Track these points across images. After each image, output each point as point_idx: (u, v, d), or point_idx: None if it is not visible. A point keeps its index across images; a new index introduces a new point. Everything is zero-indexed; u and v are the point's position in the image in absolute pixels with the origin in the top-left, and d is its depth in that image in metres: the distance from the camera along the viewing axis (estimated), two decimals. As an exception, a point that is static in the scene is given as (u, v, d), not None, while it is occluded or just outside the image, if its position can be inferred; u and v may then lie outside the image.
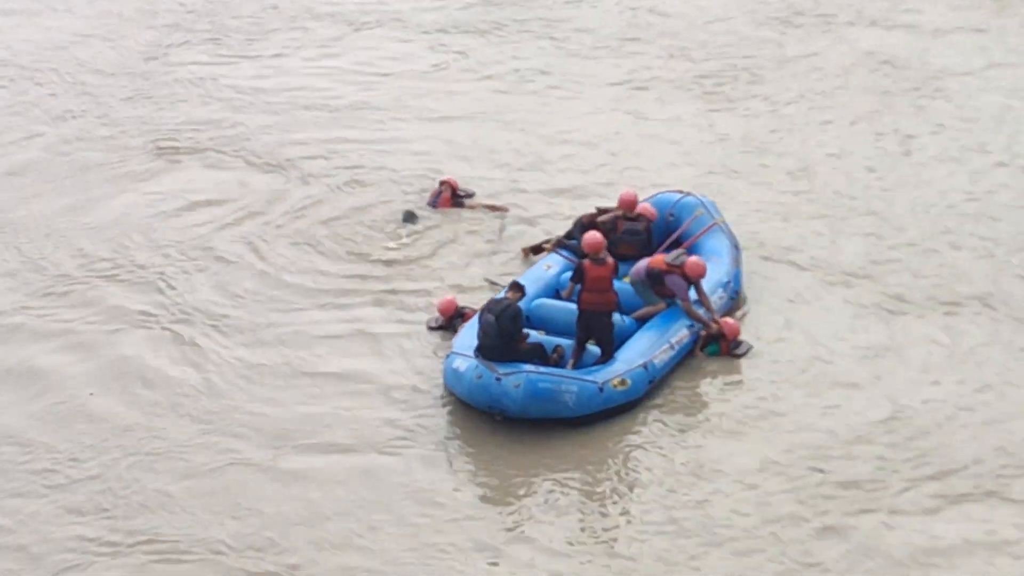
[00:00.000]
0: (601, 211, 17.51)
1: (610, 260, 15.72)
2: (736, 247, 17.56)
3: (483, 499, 14.27)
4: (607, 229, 17.01)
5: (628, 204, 17.29)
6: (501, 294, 16.02)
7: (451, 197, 19.11)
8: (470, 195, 19.33)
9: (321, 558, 13.40)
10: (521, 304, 15.79)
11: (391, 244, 18.44)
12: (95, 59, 24.23)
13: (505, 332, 15.05)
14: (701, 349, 16.35)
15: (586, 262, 15.74)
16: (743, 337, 16.40)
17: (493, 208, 19.05)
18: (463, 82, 23.00)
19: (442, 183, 19.24)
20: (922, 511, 13.84)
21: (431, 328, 16.63)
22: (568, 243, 17.31)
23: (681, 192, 18.27)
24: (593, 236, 15.93)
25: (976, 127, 21.02)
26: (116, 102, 22.69)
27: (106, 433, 15.06)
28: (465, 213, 19.03)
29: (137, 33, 25.14)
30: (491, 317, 15.13)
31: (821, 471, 14.36)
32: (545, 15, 25.25)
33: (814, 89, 22.40)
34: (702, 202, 17.98)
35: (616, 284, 16.14)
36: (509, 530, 13.82)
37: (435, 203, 19.10)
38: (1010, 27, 23.99)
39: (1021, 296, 17.15)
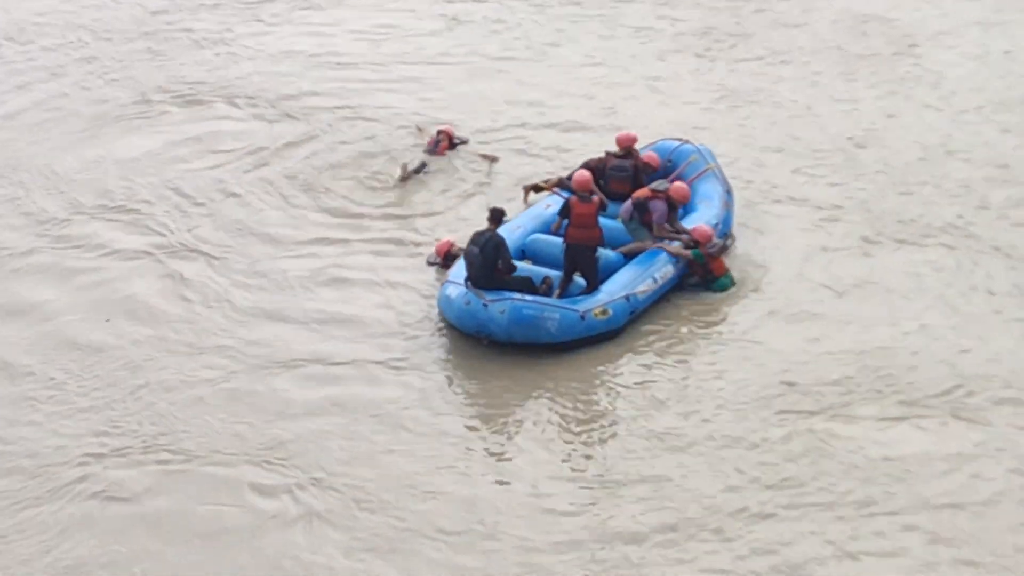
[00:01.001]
0: (609, 156, 18.35)
1: (596, 198, 16.65)
2: (728, 192, 18.39)
3: (473, 417, 15.25)
4: (599, 168, 17.98)
5: (620, 142, 18.15)
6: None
7: (448, 144, 20.16)
8: (464, 142, 20.38)
9: (326, 466, 14.45)
10: (517, 239, 16.83)
11: (397, 172, 19.46)
12: (102, 14, 25.40)
13: (489, 261, 16.00)
14: (703, 281, 17.12)
15: (573, 199, 16.65)
16: (717, 240, 17.28)
17: (485, 157, 20.08)
18: (464, 37, 23.93)
19: (439, 131, 20.24)
20: (884, 424, 14.74)
21: (430, 264, 17.67)
22: (568, 183, 18.19)
23: (679, 140, 19.15)
24: (581, 174, 16.91)
25: (950, 80, 21.83)
26: (124, 54, 23.73)
27: (114, 358, 16.13)
28: (460, 160, 20.05)
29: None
30: (475, 248, 16.11)
31: (791, 384, 15.33)
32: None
33: (800, 46, 23.26)
34: (698, 149, 18.83)
35: (607, 222, 17.18)
36: (498, 446, 14.82)
37: (433, 150, 20.13)
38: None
39: (986, 231, 18.06)
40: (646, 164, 18.21)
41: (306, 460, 14.53)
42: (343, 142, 20.80)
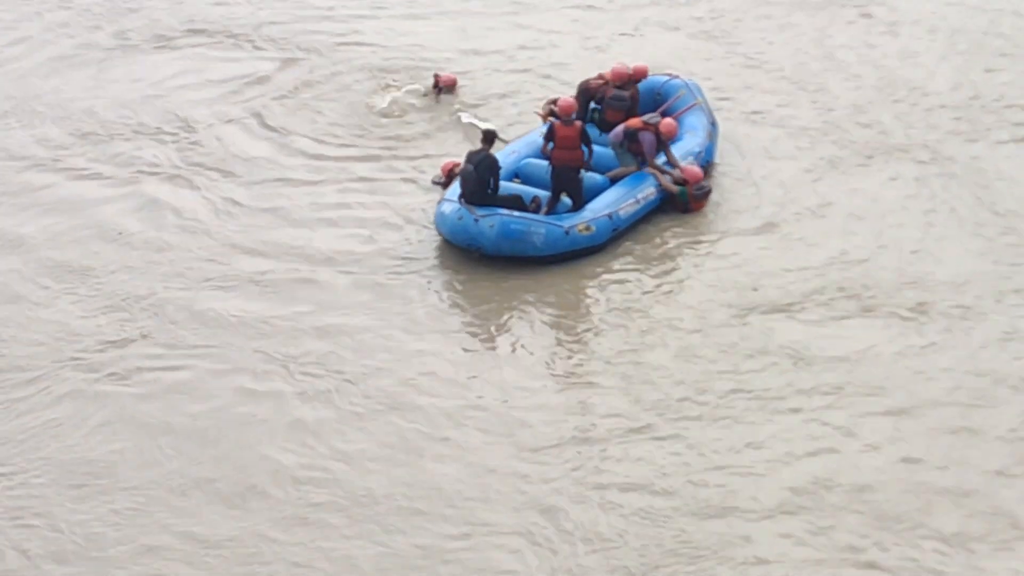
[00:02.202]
0: (601, 77, 19.29)
1: (577, 123, 17.75)
2: (713, 124, 19.49)
3: (463, 324, 16.60)
4: (598, 97, 19.07)
5: (616, 75, 19.24)
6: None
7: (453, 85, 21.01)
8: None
9: (316, 369, 15.81)
10: (511, 162, 18.04)
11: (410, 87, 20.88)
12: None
13: (483, 179, 17.26)
14: (669, 185, 18.31)
15: (556, 123, 17.82)
16: (706, 183, 18.43)
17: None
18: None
19: (437, 76, 21.04)
20: (834, 321, 16.13)
21: (435, 183, 18.80)
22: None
23: (669, 75, 20.27)
24: (565, 100, 18.10)
25: (915, 25, 23.00)
26: None
27: (131, 255, 17.68)
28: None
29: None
30: (470, 167, 17.38)
31: (755, 290, 16.67)
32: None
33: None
34: (687, 83, 19.94)
35: (599, 149, 18.41)
36: (485, 350, 16.14)
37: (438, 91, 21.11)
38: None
39: (949, 148, 19.44)
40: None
41: (299, 359, 15.83)
42: (342, 76, 22.01)
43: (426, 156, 19.64)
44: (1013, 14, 23.09)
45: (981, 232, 17.70)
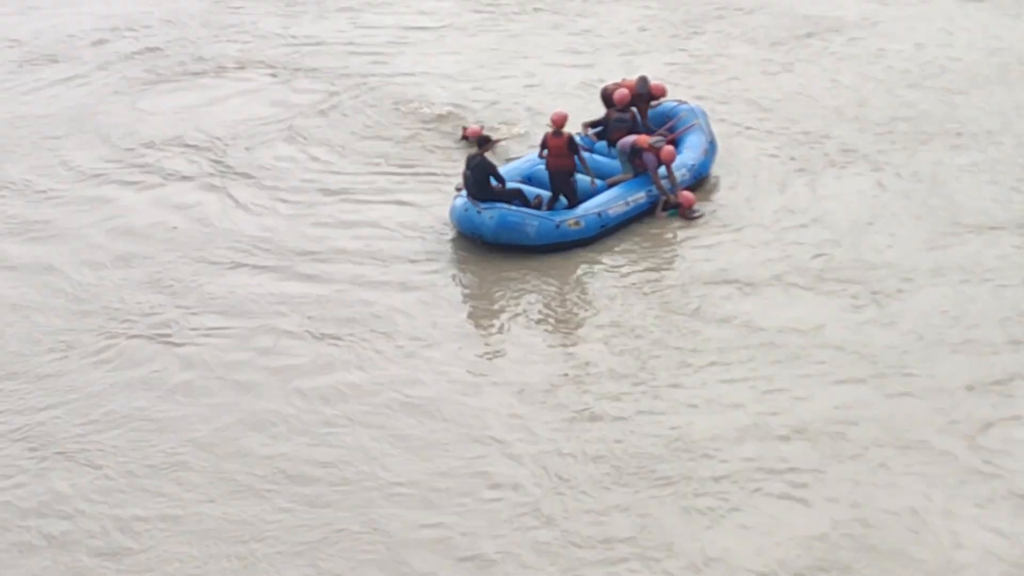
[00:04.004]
0: (621, 83, 21.79)
1: (566, 133, 19.89)
2: (711, 143, 21.68)
3: (464, 301, 18.82)
4: (603, 122, 21.45)
5: (618, 100, 21.52)
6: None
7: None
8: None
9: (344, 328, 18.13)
10: (525, 168, 20.40)
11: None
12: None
13: (479, 179, 19.58)
14: (663, 210, 20.67)
15: (548, 134, 20.08)
16: (698, 208, 20.74)
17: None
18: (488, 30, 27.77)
19: (464, 129, 22.93)
20: (795, 300, 18.43)
21: (457, 190, 20.83)
22: (597, 123, 21.63)
23: (678, 101, 22.45)
24: (557, 113, 20.27)
25: (871, 59, 25.58)
26: (188, 27, 27.85)
27: (170, 248, 20.07)
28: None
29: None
30: (468, 171, 19.72)
31: (723, 274, 18.93)
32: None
33: (747, 31, 26.97)
34: (692, 108, 22.17)
35: (605, 161, 20.83)
36: (484, 326, 18.36)
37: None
38: None
39: (897, 157, 21.92)
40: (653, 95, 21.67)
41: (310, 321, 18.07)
42: (370, 101, 24.53)
43: (446, 173, 21.78)
44: (962, 48, 25.79)
45: (923, 223, 19.90)
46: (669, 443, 15.75)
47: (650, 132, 21.54)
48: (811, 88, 24.44)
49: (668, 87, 22.72)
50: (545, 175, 20.53)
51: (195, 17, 28.51)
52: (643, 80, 21.85)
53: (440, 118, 23.65)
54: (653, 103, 22.03)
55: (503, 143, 22.28)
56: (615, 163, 21.20)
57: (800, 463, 15.38)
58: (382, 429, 16.14)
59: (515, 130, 23.02)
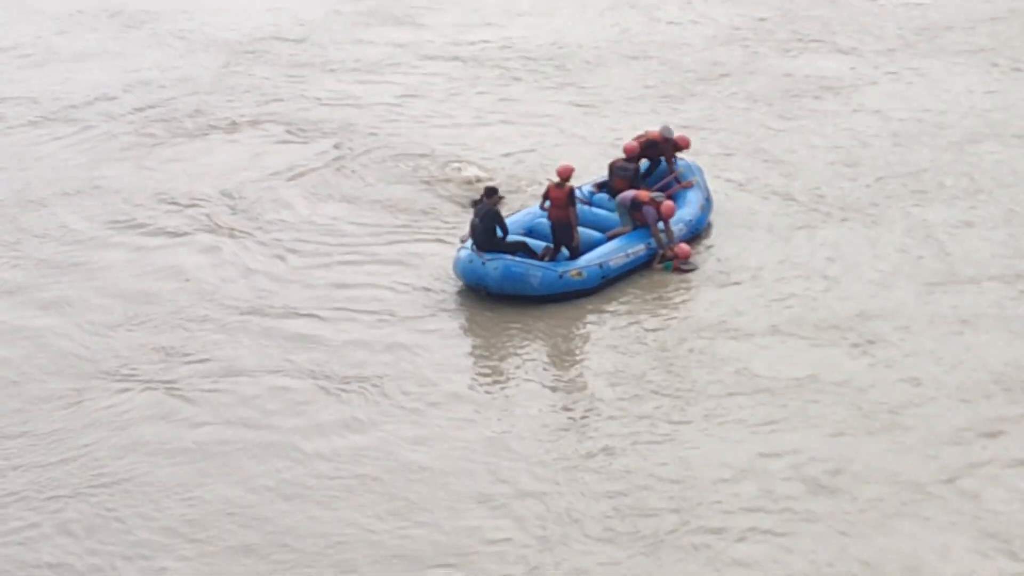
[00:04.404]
0: (645, 134, 22.42)
1: (568, 186, 20.45)
2: (707, 199, 22.32)
3: (471, 351, 19.36)
4: (609, 167, 22.09)
5: (625, 150, 22.22)
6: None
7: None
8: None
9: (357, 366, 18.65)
10: (527, 220, 20.93)
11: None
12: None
13: (488, 228, 20.11)
14: (659, 263, 21.24)
15: (551, 185, 20.67)
16: (693, 261, 21.31)
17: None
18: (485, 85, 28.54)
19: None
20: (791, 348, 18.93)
21: (461, 242, 21.20)
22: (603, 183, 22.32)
23: (683, 159, 22.96)
24: (563, 165, 20.88)
25: (866, 117, 26.29)
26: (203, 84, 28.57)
27: (177, 304, 20.53)
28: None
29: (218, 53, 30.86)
30: (476, 219, 20.26)
31: (720, 323, 19.48)
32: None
33: (745, 91, 27.64)
34: (689, 165, 22.79)
35: (605, 214, 21.40)
36: (491, 375, 18.86)
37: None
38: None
39: (893, 212, 22.60)
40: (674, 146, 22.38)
41: (322, 372, 18.55)
42: (378, 157, 25.15)
43: (450, 228, 22.29)
44: (955, 107, 26.46)
45: (916, 275, 20.48)
46: (668, 486, 16.21)
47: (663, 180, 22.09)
48: (807, 145, 25.06)
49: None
50: (546, 227, 21.04)
51: (205, 77, 29.16)
52: (667, 128, 22.61)
53: (445, 174, 24.22)
54: (678, 154, 22.66)
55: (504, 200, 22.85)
56: (614, 216, 21.74)
57: (795, 504, 15.82)
58: (384, 481, 16.55)
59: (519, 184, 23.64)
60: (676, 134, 22.83)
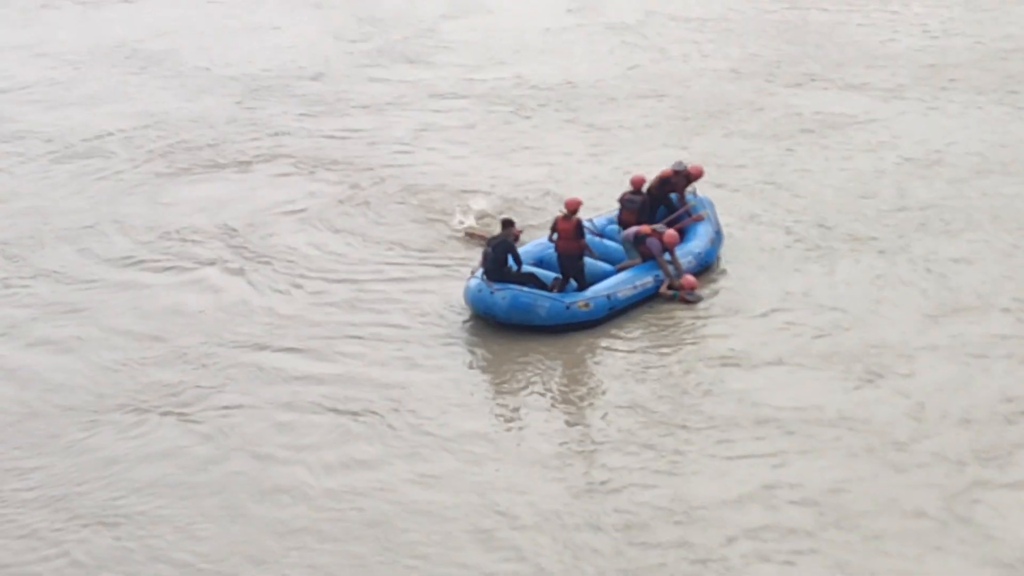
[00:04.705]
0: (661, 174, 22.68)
1: (575, 218, 20.73)
2: (718, 232, 22.52)
3: (479, 383, 19.49)
4: (619, 200, 22.31)
5: (632, 182, 22.42)
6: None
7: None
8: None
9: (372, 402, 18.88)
10: (539, 251, 21.15)
11: (461, 220, 23.79)
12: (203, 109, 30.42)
13: (499, 258, 20.37)
14: (667, 289, 21.43)
15: (559, 217, 20.94)
16: (699, 291, 21.54)
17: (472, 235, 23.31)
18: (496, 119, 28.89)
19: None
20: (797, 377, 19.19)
21: (472, 273, 21.25)
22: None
23: (694, 193, 23.23)
24: (571, 198, 21.13)
25: (873, 151, 26.59)
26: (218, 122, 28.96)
27: (194, 331, 20.81)
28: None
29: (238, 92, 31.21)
30: (489, 249, 20.53)
31: (725, 355, 19.70)
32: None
33: (753, 127, 27.96)
34: (700, 199, 23.03)
35: (614, 246, 21.67)
36: (499, 397, 19.04)
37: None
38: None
39: (899, 241, 22.89)
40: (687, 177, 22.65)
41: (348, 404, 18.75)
42: (388, 192, 25.44)
43: (460, 261, 22.52)
44: (958, 144, 26.72)
45: (921, 306, 20.69)
46: (673, 511, 16.36)
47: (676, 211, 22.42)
48: (815, 179, 25.30)
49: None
50: (555, 258, 21.28)
51: (219, 114, 29.52)
52: (679, 163, 22.93)
53: (455, 208, 24.43)
54: (690, 186, 22.92)
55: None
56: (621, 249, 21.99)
57: (799, 528, 15.96)
58: (395, 504, 16.75)
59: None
60: (689, 164, 23.03)
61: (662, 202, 22.76)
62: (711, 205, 23.03)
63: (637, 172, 23.19)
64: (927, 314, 20.42)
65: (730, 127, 27.95)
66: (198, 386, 19.32)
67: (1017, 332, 19.88)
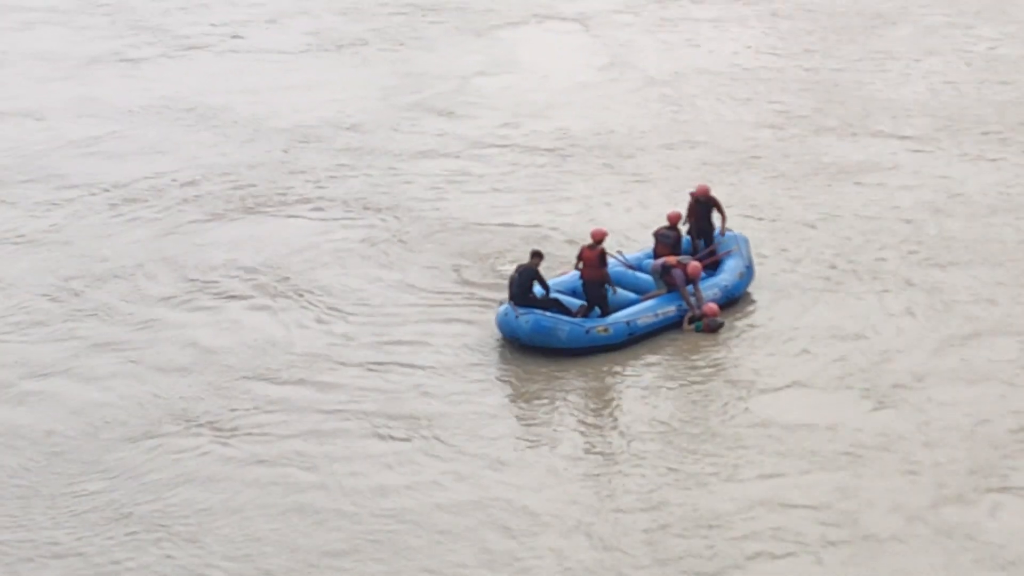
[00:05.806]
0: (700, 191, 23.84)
1: (600, 247, 21.78)
2: (748, 267, 23.44)
3: (505, 407, 20.62)
4: (654, 235, 23.31)
5: (669, 218, 23.47)
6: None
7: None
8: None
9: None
10: (570, 281, 22.20)
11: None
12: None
13: (523, 284, 21.47)
14: (689, 324, 22.40)
15: (584, 247, 21.98)
16: (719, 318, 22.49)
17: None
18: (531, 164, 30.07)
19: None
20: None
21: (500, 303, 22.50)
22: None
23: (730, 230, 24.28)
24: (597, 229, 22.21)
25: (895, 192, 27.67)
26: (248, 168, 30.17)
27: (232, 361, 21.99)
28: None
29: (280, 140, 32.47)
30: (516, 274, 21.65)
31: (735, 380, 20.83)
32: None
33: (782, 171, 29.27)
34: (735, 236, 23.94)
35: (645, 276, 22.73)
36: (522, 414, 20.13)
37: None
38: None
39: (906, 273, 24.07)
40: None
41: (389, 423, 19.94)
42: (424, 231, 26.65)
43: (493, 297, 23.45)
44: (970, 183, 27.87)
45: (936, 334, 21.82)
46: (698, 531, 17.38)
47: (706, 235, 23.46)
48: (838, 219, 26.29)
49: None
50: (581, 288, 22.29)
51: (267, 161, 30.69)
52: (698, 189, 23.94)
53: (491, 248, 25.49)
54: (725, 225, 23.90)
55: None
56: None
57: (807, 534, 17.06)
58: (421, 522, 17.86)
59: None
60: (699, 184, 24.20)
61: (714, 208, 23.55)
62: (745, 242, 23.89)
63: (672, 209, 24.18)
64: (943, 342, 21.46)
65: (760, 172, 28.86)
66: (233, 411, 20.43)
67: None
